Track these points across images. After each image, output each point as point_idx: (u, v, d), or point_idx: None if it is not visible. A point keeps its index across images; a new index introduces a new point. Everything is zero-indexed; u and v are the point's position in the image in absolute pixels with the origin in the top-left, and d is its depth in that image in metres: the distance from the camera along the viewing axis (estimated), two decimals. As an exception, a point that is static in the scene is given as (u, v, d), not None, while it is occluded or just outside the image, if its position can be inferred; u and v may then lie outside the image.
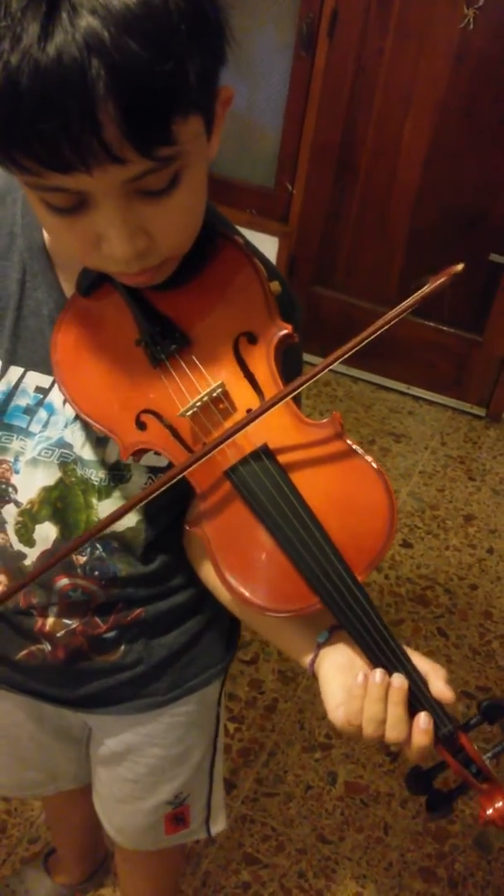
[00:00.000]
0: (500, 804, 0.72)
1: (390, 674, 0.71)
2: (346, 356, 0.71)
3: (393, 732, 0.71)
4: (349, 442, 0.72)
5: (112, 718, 1.01)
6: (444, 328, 3.12)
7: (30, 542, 0.84)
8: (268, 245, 3.18)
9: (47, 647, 0.91)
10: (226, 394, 0.72)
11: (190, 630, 0.98)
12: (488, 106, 2.72)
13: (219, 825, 1.19)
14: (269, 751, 1.90)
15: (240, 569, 0.73)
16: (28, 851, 1.67)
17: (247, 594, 0.73)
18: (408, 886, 1.68)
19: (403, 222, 3.03)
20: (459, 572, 2.50)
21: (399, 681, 0.71)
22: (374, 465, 0.71)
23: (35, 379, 0.80)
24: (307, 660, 0.79)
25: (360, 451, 0.71)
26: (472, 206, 2.90)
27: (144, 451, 0.74)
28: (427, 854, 1.74)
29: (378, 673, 0.71)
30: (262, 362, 0.73)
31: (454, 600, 2.39)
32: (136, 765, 1.06)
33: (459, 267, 0.70)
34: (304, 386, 0.71)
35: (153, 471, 0.81)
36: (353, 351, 0.71)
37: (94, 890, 1.61)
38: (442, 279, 0.70)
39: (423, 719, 0.71)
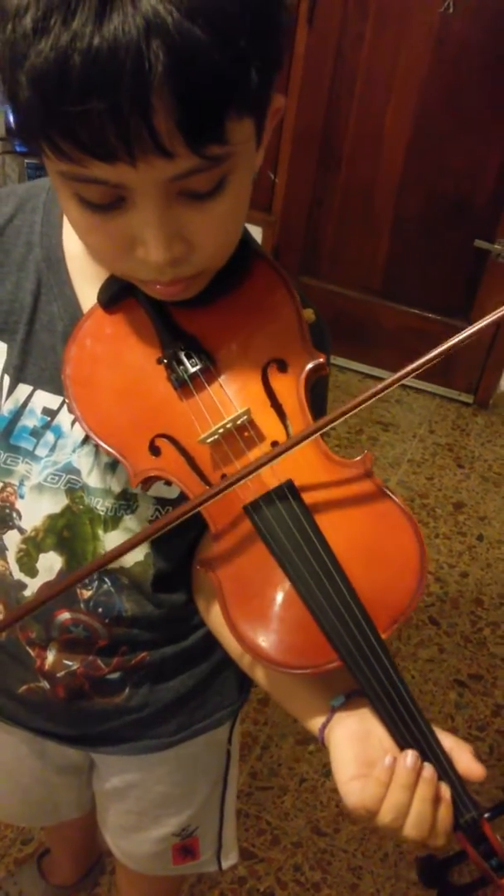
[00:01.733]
0: None
1: (419, 756, 0.64)
2: (399, 383, 0.64)
3: (414, 830, 0.63)
4: (379, 484, 0.66)
5: (116, 757, 0.98)
6: (430, 315, 3.10)
7: (32, 572, 0.79)
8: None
9: (46, 685, 0.86)
10: (251, 422, 0.67)
11: (200, 673, 0.93)
12: (470, 90, 2.71)
13: (230, 859, 1.14)
14: (263, 744, 1.89)
15: (253, 617, 0.66)
16: (21, 853, 1.66)
17: (259, 646, 0.65)
18: (404, 876, 1.68)
19: (388, 209, 3.01)
20: (450, 560, 2.49)
21: (429, 772, 0.63)
22: (406, 510, 0.66)
23: (43, 399, 0.74)
24: (318, 723, 0.70)
25: (390, 493, 0.66)
26: (457, 192, 2.88)
27: (155, 479, 0.69)
28: (409, 843, 1.73)
29: (410, 756, 0.63)
30: (292, 392, 0.68)
31: (445, 588, 2.39)
32: (141, 800, 1.03)
33: None
34: (342, 420, 0.64)
35: (161, 503, 0.76)
36: (414, 373, 0.63)
37: (89, 889, 1.60)
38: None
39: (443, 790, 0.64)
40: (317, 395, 0.71)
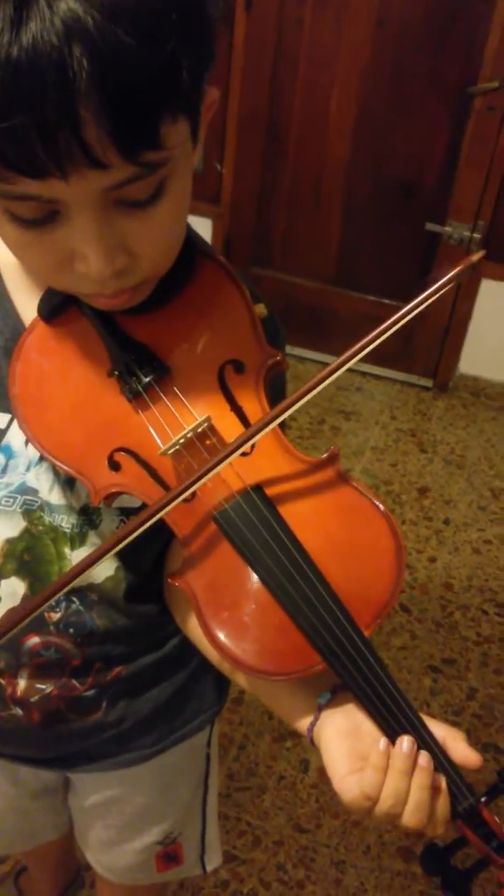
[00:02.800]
0: None
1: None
2: (353, 362, 0.63)
3: (413, 818, 0.62)
4: (349, 479, 0.64)
5: (95, 774, 0.94)
6: (386, 301, 3.09)
7: None
8: (201, 228, 3.09)
9: (19, 711, 0.82)
10: (212, 429, 0.64)
11: (178, 681, 0.90)
12: (412, 71, 2.69)
13: (214, 861, 1.12)
14: (239, 744, 1.86)
15: (231, 626, 0.64)
16: (-4, 873, 1.61)
17: (240, 655, 0.64)
18: (388, 867, 1.66)
19: (337, 195, 2.99)
20: (417, 545, 2.49)
21: (425, 760, 0.62)
22: (379, 506, 0.64)
23: None
24: (305, 724, 0.69)
25: (361, 488, 0.64)
26: (405, 175, 2.87)
27: (117, 494, 0.66)
28: (405, 833, 1.72)
29: (406, 742, 0.62)
30: (251, 393, 0.66)
31: (414, 574, 2.38)
32: (122, 812, 1.00)
33: (476, 257, 0.64)
34: (298, 406, 0.62)
35: (125, 512, 0.72)
36: (361, 354, 0.62)
37: (69, 905, 1.56)
38: (458, 268, 0.63)
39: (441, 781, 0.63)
40: (276, 391, 0.69)
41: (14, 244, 0.56)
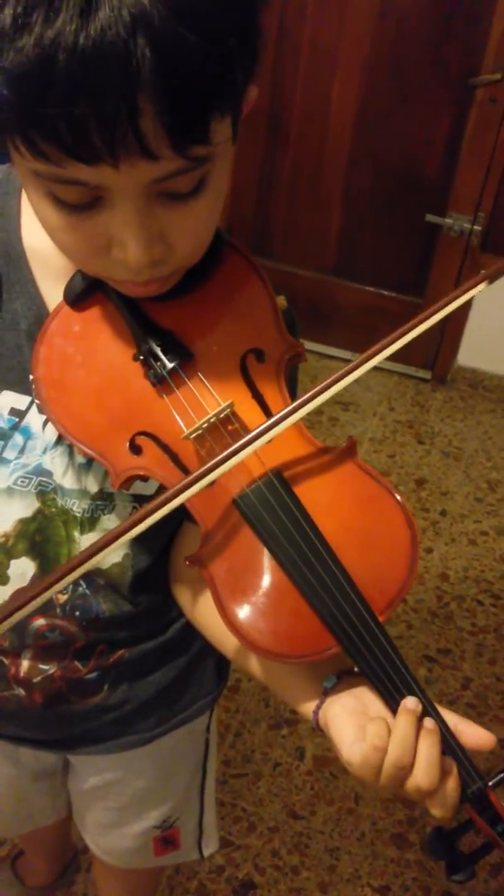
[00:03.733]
0: None
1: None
2: (377, 359, 0.64)
3: (426, 777, 0.61)
4: (367, 469, 0.66)
5: (94, 756, 0.95)
6: (385, 292, 3.10)
7: (3, 579, 0.76)
8: (201, 217, 3.11)
9: (21, 692, 0.83)
10: (234, 414, 0.66)
11: (179, 666, 0.91)
12: (413, 63, 2.69)
13: (211, 846, 1.14)
14: (235, 731, 1.88)
15: (248, 610, 0.65)
16: (-6, 856, 1.63)
17: (257, 638, 0.64)
18: (381, 854, 1.68)
19: (338, 186, 2.99)
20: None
21: (431, 724, 0.63)
22: (395, 495, 0.65)
23: (10, 399, 0.72)
24: (311, 707, 0.70)
25: (378, 478, 0.66)
26: (406, 167, 2.87)
27: (137, 478, 0.67)
28: (398, 820, 1.74)
29: (410, 700, 0.63)
30: (272, 382, 0.67)
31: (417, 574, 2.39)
32: (121, 795, 1.01)
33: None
34: (324, 398, 0.64)
35: (139, 499, 0.74)
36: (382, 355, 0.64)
37: (66, 889, 1.58)
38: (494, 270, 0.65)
39: (447, 762, 0.63)
40: (291, 381, 0.71)
41: (53, 227, 0.57)
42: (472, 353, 3.19)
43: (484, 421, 3.06)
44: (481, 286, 0.66)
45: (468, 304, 3.07)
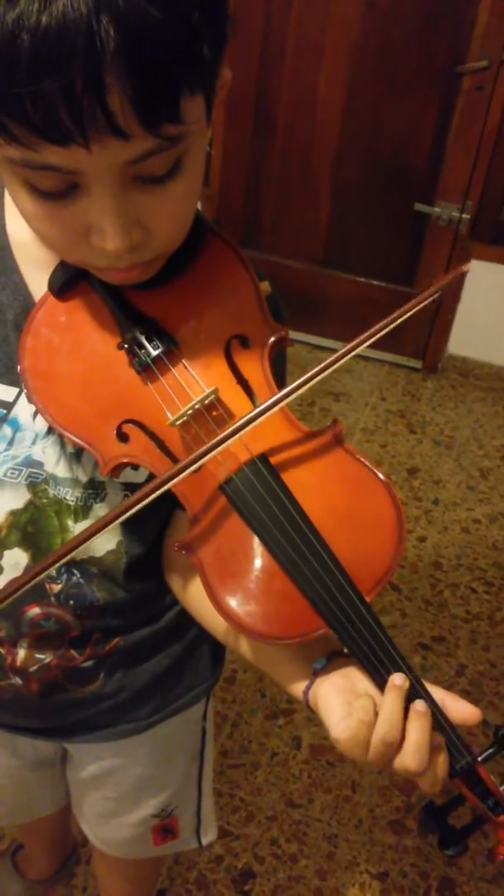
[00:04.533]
0: None
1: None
2: (360, 348, 0.65)
3: (414, 759, 0.62)
4: (351, 451, 0.66)
5: (91, 745, 0.96)
6: (375, 282, 3.10)
7: None
8: (190, 209, 3.10)
9: (18, 681, 0.84)
10: (219, 401, 0.66)
11: (174, 653, 0.91)
12: (401, 52, 2.68)
13: (210, 835, 1.14)
14: (232, 722, 1.89)
15: (237, 593, 0.65)
16: (-7, 850, 1.63)
17: (246, 621, 0.65)
18: (379, 841, 1.70)
19: (326, 176, 2.98)
20: (407, 525, 2.50)
21: (422, 706, 0.63)
22: (380, 476, 0.66)
23: None
24: (300, 688, 0.70)
25: (363, 460, 0.66)
26: (394, 156, 2.87)
27: (125, 465, 0.68)
28: (396, 807, 1.75)
29: (397, 677, 0.63)
30: (256, 367, 0.68)
31: (404, 553, 2.40)
32: (119, 784, 1.02)
33: (466, 268, 0.67)
34: (307, 387, 0.64)
35: (129, 487, 0.74)
36: (369, 342, 0.65)
37: (66, 881, 1.58)
38: (449, 277, 0.66)
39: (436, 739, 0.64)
40: (277, 368, 0.70)
41: (31, 216, 0.57)
42: (463, 341, 3.20)
43: (475, 409, 3.07)
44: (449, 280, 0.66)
45: (458, 294, 3.09)
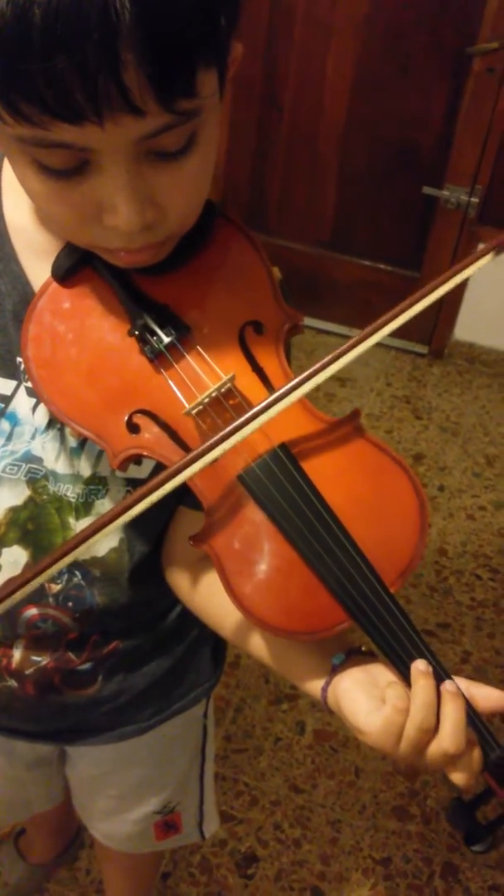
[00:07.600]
0: None
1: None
2: (382, 334, 0.65)
3: (452, 741, 0.60)
4: (372, 439, 0.65)
5: (90, 747, 0.94)
6: (382, 266, 3.07)
7: None
8: (196, 192, 3.08)
9: (14, 684, 0.82)
10: (236, 388, 0.64)
11: (175, 655, 0.90)
12: (411, 32, 2.64)
13: (212, 828, 1.14)
14: (236, 707, 1.89)
15: (257, 588, 0.63)
16: (-3, 833, 1.64)
17: (267, 616, 0.63)
18: (382, 826, 1.70)
19: (333, 159, 2.95)
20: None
21: (453, 686, 0.61)
22: (401, 463, 0.64)
23: None
24: (319, 685, 0.68)
25: (384, 447, 0.64)
26: (402, 138, 2.83)
27: (136, 457, 0.65)
28: (399, 793, 1.75)
29: (421, 662, 0.61)
30: (272, 354, 0.65)
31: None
32: (119, 784, 1.01)
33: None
34: (331, 372, 0.62)
35: (132, 483, 0.71)
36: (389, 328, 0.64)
37: (69, 864, 1.59)
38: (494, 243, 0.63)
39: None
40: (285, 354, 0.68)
41: (40, 196, 0.55)
42: (469, 327, 3.17)
43: (481, 395, 3.05)
44: (489, 258, 0.63)
45: (465, 279, 3.05)
